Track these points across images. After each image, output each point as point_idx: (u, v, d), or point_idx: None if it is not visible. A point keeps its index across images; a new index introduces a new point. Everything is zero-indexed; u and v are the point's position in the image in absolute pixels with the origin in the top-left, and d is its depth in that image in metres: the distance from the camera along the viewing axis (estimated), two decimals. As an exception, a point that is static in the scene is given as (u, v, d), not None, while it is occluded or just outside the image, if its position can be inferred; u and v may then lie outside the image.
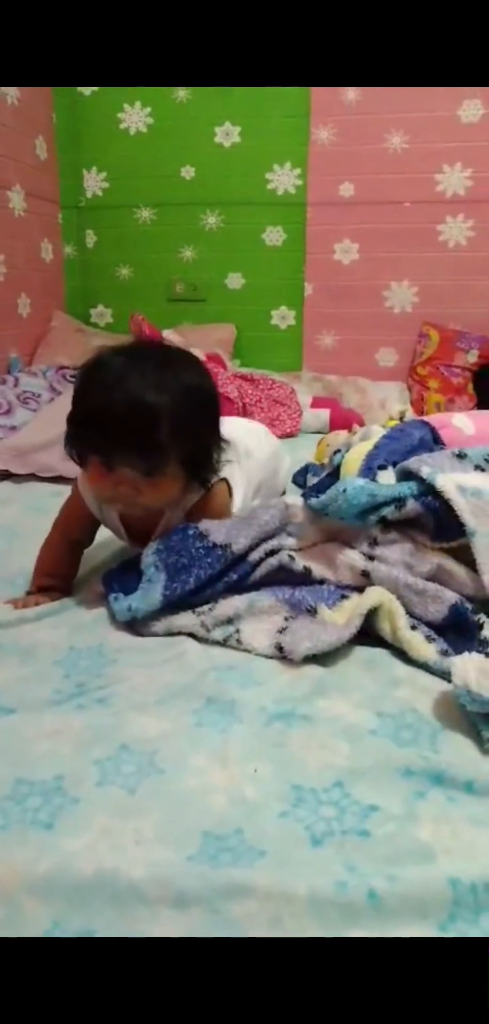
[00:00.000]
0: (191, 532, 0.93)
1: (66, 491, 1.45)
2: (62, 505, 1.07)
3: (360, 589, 0.90)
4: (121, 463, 0.86)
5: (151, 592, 0.89)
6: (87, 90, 2.77)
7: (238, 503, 1.08)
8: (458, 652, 0.77)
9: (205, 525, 0.94)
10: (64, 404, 0.95)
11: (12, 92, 2.43)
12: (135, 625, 0.89)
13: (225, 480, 1.04)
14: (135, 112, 2.77)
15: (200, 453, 0.93)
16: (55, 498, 1.44)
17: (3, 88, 2.38)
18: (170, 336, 2.12)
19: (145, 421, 0.84)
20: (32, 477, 1.60)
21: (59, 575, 1.03)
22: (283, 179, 2.74)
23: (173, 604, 0.89)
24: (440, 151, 2.61)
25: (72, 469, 1.49)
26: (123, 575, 0.96)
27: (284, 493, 1.35)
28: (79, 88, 2.77)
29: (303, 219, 2.75)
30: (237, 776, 0.63)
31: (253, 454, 1.18)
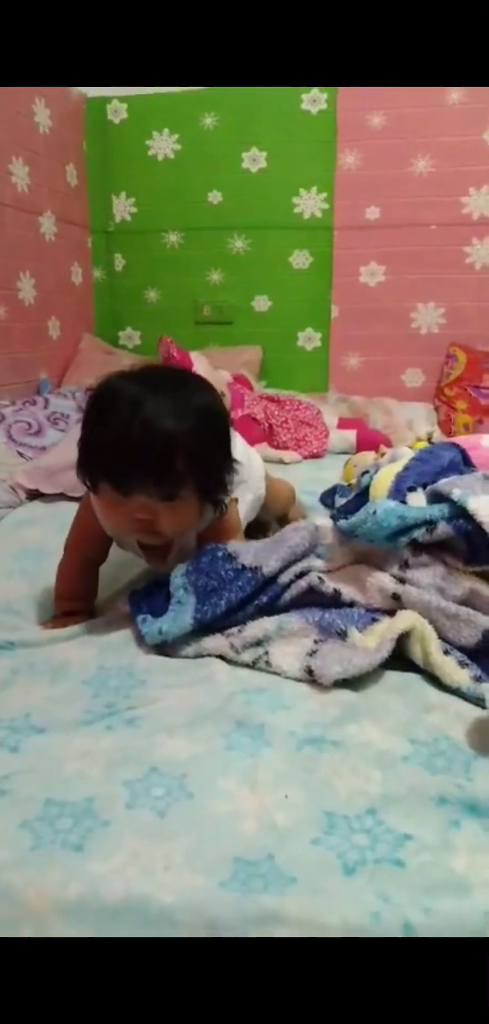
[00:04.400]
0: (220, 554, 0.93)
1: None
2: (71, 527, 1.05)
3: (391, 612, 0.89)
4: (137, 491, 0.86)
5: (181, 615, 0.88)
6: (116, 118, 2.83)
7: (241, 516, 1.09)
8: (492, 678, 0.76)
9: (234, 547, 0.94)
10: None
11: (44, 121, 2.49)
12: (163, 646, 0.89)
13: (235, 499, 1.04)
14: (163, 138, 2.82)
15: (215, 479, 0.92)
16: (84, 518, 1.46)
17: (36, 117, 2.44)
18: (197, 358, 2.14)
19: (163, 449, 0.83)
20: (61, 497, 1.61)
21: (81, 598, 1.02)
22: (309, 203, 2.76)
23: (204, 627, 0.89)
24: (466, 174, 2.61)
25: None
26: (150, 596, 0.95)
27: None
28: (109, 116, 2.83)
29: (330, 243, 2.77)
30: (267, 801, 0.62)
31: (252, 475, 1.16)
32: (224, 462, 0.94)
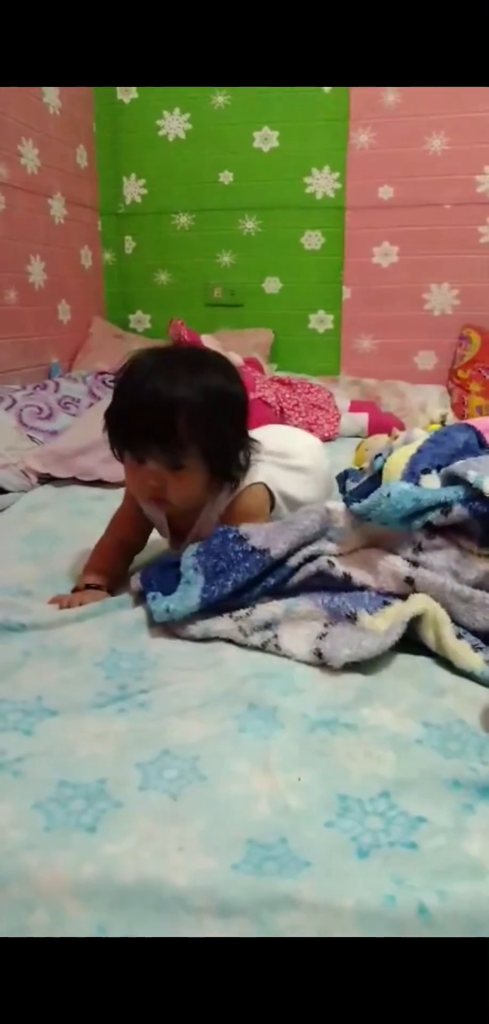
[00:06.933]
0: (231, 535, 0.92)
1: (106, 495, 1.48)
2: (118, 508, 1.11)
3: (403, 596, 0.88)
4: (147, 455, 0.93)
5: (189, 594, 0.88)
6: (127, 98, 2.80)
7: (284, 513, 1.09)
8: (507, 662, 0.75)
9: (245, 529, 0.94)
10: (103, 409, 0.98)
11: (54, 102, 2.47)
12: (172, 627, 0.89)
13: (263, 484, 1.04)
14: (174, 118, 2.79)
15: (221, 449, 0.96)
16: (95, 502, 1.46)
17: (46, 99, 2.42)
18: (208, 341, 2.13)
19: (165, 414, 0.90)
20: (73, 481, 1.62)
21: (107, 573, 1.04)
22: (322, 183, 2.73)
23: (210, 607, 0.89)
24: (481, 152, 2.57)
25: (112, 473, 1.51)
26: (162, 574, 0.95)
27: None
28: (119, 96, 2.80)
29: (342, 223, 2.73)
30: (280, 784, 0.62)
31: (314, 471, 1.18)
32: (233, 436, 0.98)
